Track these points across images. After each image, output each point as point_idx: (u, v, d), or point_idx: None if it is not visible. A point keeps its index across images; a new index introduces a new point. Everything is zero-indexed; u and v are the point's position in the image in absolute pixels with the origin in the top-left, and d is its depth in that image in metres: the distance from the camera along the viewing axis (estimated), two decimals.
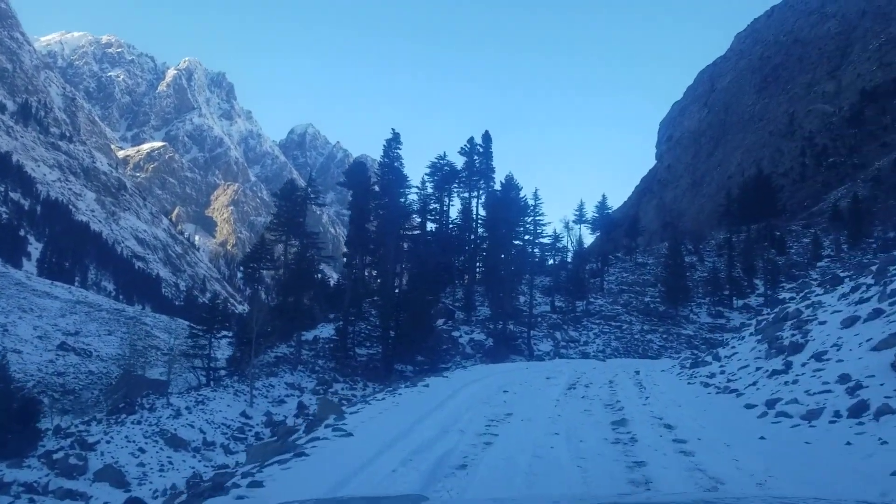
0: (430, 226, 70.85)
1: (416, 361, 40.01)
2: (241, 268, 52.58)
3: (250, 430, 28.98)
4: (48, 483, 22.20)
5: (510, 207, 54.22)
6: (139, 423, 27.87)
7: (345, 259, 54.05)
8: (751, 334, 23.25)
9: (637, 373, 24.70)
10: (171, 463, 24.89)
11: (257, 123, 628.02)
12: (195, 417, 28.86)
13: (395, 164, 63.53)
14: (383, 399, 18.93)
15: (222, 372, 40.54)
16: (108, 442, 25.84)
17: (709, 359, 23.60)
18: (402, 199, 64.59)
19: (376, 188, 60.35)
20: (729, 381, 18.11)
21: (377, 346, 41.27)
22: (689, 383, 20.30)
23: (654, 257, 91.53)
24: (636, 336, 53.00)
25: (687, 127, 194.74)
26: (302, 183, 65.30)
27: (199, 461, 25.28)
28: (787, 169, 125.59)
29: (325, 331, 47.11)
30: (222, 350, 50.84)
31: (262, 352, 42.52)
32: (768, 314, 25.13)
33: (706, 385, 18.91)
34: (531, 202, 57.06)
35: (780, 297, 25.60)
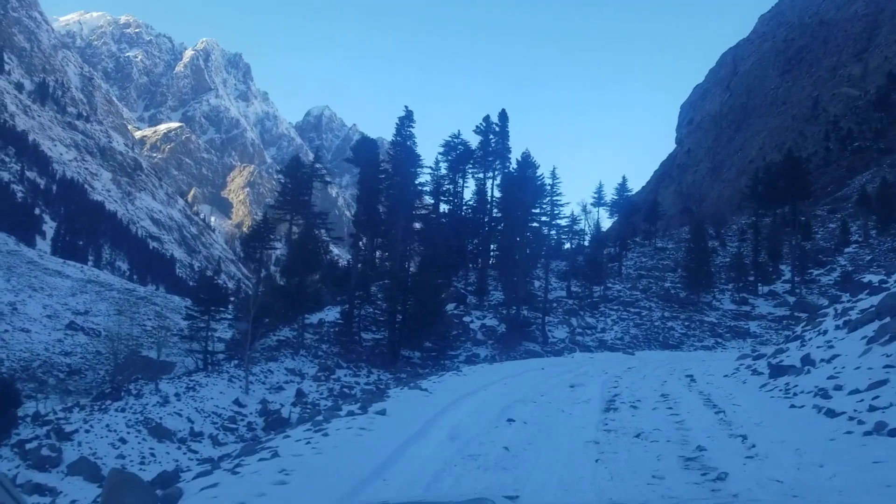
0: (444, 207, 68.71)
1: (423, 347, 37.95)
2: (243, 247, 50.70)
3: (243, 420, 27.05)
4: (16, 476, 20.36)
5: (526, 187, 51.77)
6: (123, 410, 26.01)
7: (351, 239, 51.86)
8: (838, 327, 17.67)
9: (691, 379, 19.52)
10: (153, 455, 23.01)
11: (273, 105, 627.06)
12: (184, 405, 26.96)
13: (408, 142, 61.20)
14: (299, 440, 11.36)
15: (221, 356, 38.69)
16: (87, 431, 23.98)
17: (793, 360, 17.28)
18: (415, 180, 62.41)
19: (388, 167, 58.21)
20: (874, 407, 10.72)
21: (384, 330, 39.25)
22: (793, 406, 12.90)
23: (673, 242, 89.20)
24: (656, 323, 50.58)
25: (708, 110, 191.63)
26: (326, 168, 63.20)
27: (185, 453, 23.40)
28: (811, 153, 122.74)
29: (332, 314, 45.13)
30: (229, 333, 49.19)
31: (264, 335, 40.66)
32: (849, 301, 20.01)
33: (830, 414, 11.39)
34: (548, 181, 54.64)
35: (866, 280, 20.97)
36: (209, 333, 38.00)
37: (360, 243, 51.58)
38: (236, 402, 28.60)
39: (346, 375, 34.68)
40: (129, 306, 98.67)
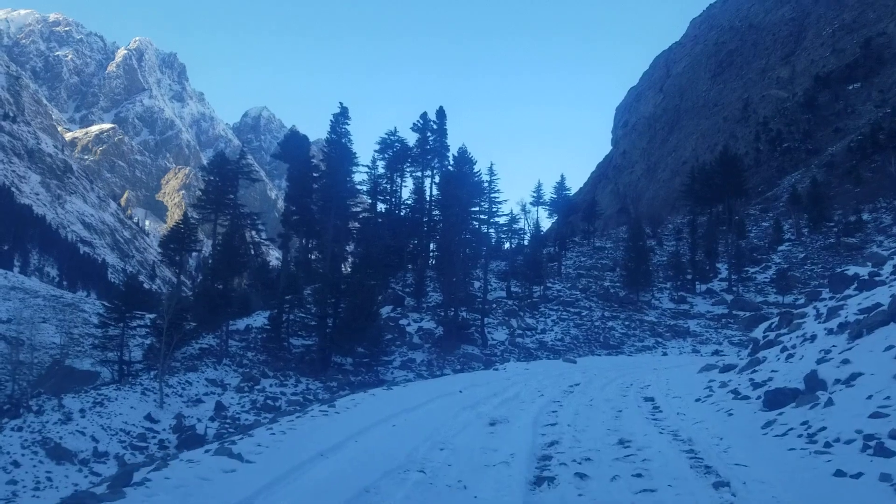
0: (381, 206, 67.02)
1: (356, 353, 36.11)
2: (162, 250, 48.02)
3: (154, 438, 24.85)
4: None
5: (464, 183, 50.35)
6: (20, 429, 23.59)
7: (279, 240, 49.67)
8: (831, 331, 14.40)
9: (654, 406, 15.72)
10: (49, 479, 20.74)
11: (210, 106, 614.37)
12: (88, 422, 24.65)
13: (343, 140, 59.32)
14: None
15: (139, 366, 36.21)
16: None
17: (786, 377, 13.47)
18: (350, 178, 60.55)
19: (322, 165, 56.19)
20: None
21: (314, 336, 37.27)
22: (840, 472, 8.12)
23: (612, 241, 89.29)
24: (596, 323, 49.74)
25: (642, 112, 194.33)
26: (256, 166, 60.50)
27: (86, 476, 21.19)
28: (742, 154, 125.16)
29: (260, 319, 42.92)
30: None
31: (185, 343, 38.29)
32: (834, 299, 17.28)
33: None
34: (486, 178, 53.37)
35: (851, 272, 17.90)
36: (125, 342, 35.49)
37: (290, 243, 49.35)
38: (148, 417, 26.36)
39: (272, 385, 32.63)
40: (55, 313, 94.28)
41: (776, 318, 20.50)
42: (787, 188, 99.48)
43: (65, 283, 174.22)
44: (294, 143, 49.59)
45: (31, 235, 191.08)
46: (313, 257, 57.77)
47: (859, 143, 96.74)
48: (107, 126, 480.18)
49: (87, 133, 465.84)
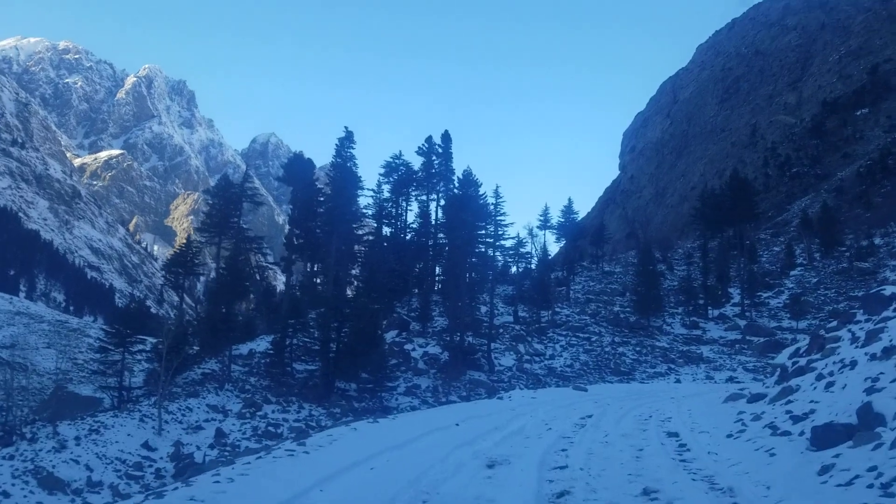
0: (386, 230, 66.38)
1: (360, 379, 35.24)
2: (165, 273, 47.39)
3: (150, 466, 24.00)
4: None
5: (469, 206, 49.67)
6: (12, 458, 22.81)
7: (283, 263, 49.00)
8: (874, 357, 12.86)
9: (680, 444, 13.67)
10: None
11: (219, 132, 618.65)
12: (83, 450, 23.84)
13: (348, 164, 58.88)
14: None
15: (139, 392, 35.41)
16: None
17: (832, 409, 11.90)
18: (355, 202, 60.06)
19: (326, 189, 55.71)
20: None
21: (318, 361, 36.46)
22: None
23: (621, 266, 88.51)
24: (607, 349, 48.76)
25: (650, 138, 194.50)
26: (264, 191, 60.08)
27: None
28: (752, 179, 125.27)
29: (264, 344, 42.10)
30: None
31: (188, 368, 37.52)
32: (871, 321, 15.73)
33: None
34: (492, 201, 52.68)
35: (888, 293, 15.95)
36: (125, 367, 34.73)
37: (294, 267, 48.69)
38: (146, 445, 25.53)
39: (274, 411, 31.77)
40: (60, 339, 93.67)
41: (804, 343, 18.88)
42: (797, 213, 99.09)
43: (71, 307, 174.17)
44: (298, 167, 49.10)
45: (38, 260, 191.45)
46: (318, 281, 57.11)
47: (868, 168, 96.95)
48: (116, 152, 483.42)
49: (96, 159, 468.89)
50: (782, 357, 19.43)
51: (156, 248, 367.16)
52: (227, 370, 37.10)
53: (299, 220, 49.12)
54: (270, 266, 57.95)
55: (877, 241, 75.26)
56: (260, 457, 13.50)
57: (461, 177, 56.70)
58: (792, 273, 73.67)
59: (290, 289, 46.94)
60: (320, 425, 29.63)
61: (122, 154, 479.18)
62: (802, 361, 16.92)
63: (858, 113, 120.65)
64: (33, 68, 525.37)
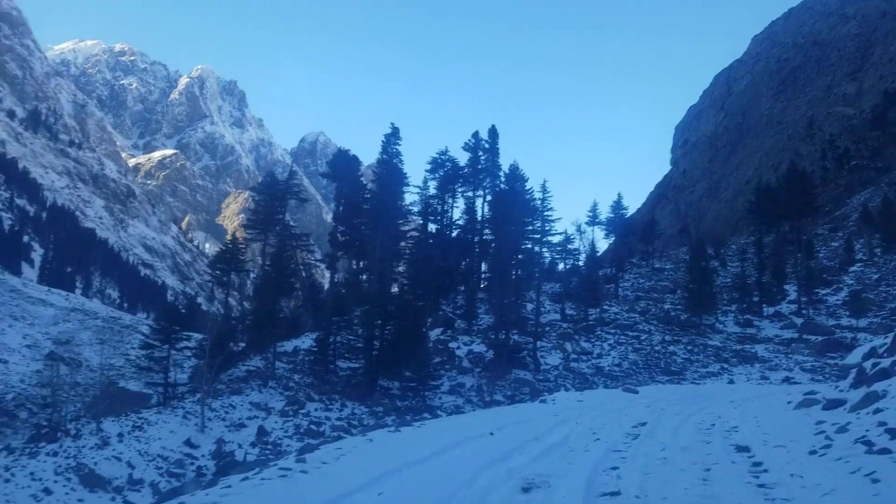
0: (432, 227, 65.89)
1: (403, 377, 34.78)
2: (211, 270, 47.56)
3: (192, 464, 23.88)
4: None
5: (516, 201, 48.83)
6: (55, 454, 22.89)
7: (327, 260, 48.82)
8: None
9: (754, 462, 11.43)
10: None
11: (268, 132, 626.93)
12: (125, 447, 23.83)
13: (395, 160, 58.65)
14: None
15: (184, 388, 35.54)
16: (7, 480, 20.84)
17: None
18: (400, 198, 59.78)
19: (372, 186, 55.57)
20: None
21: (361, 359, 36.11)
22: None
23: (672, 262, 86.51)
24: (657, 347, 47.43)
25: (703, 131, 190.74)
26: (312, 190, 59.98)
27: None
28: (808, 173, 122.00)
29: (308, 341, 42.00)
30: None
31: (233, 365, 37.59)
32: None
33: None
34: (538, 196, 51.68)
35: None
36: (170, 363, 34.88)
37: (338, 264, 48.50)
38: (188, 442, 25.44)
39: (316, 409, 31.50)
40: (113, 335, 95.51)
41: (882, 341, 17.33)
42: (856, 207, 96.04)
43: (125, 304, 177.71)
44: (343, 162, 48.93)
45: (94, 258, 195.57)
46: (363, 278, 56.96)
47: None
48: (169, 152, 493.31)
49: (149, 159, 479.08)
50: (854, 357, 17.95)
51: (207, 245, 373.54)
52: (271, 367, 37.02)
53: (344, 216, 48.97)
54: (317, 263, 57.96)
55: None
56: (247, 478, 11.60)
57: (507, 171, 55.84)
58: (851, 269, 71.01)
59: (334, 286, 46.71)
60: (362, 424, 29.25)
61: (175, 154, 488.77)
62: (886, 363, 15.16)
63: None
64: (90, 70, 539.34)
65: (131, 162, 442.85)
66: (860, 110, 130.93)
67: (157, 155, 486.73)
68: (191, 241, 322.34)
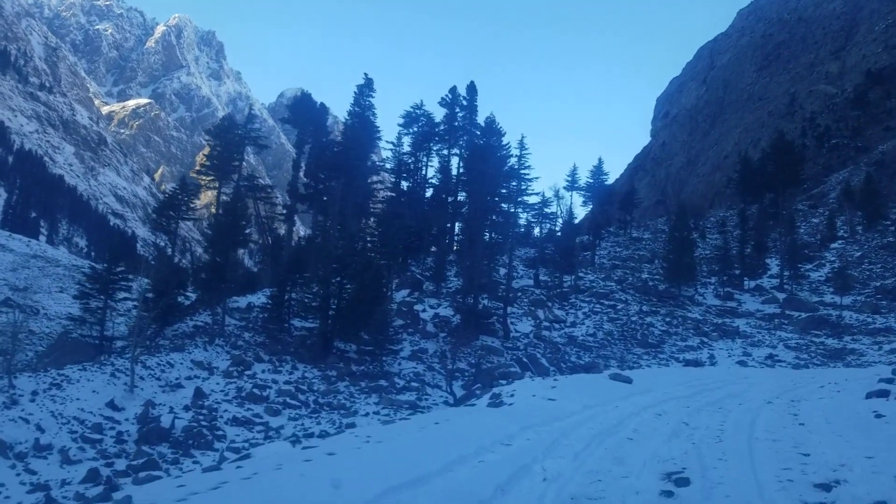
0: (405, 185, 62.96)
1: (361, 340, 32.20)
2: (155, 217, 44.42)
3: (112, 429, 21.13)
4: None
5: (490, 157, 45.99)
6: None
7: (284, 212, 45.88)
8: None
9: None
10: None
11: (246, 85, 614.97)
12: (37, 408, 21.07)
13: (367, 113, 55.54)
14: None
15: (121, 343, 32.75)
16: None
17: None
18: (371, 152, 56.92)
19: (340, 138, 52.53)
20: None
21: (317, 318, 33.46)
22: None
23: (650, 232, 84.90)
24: (633, 318, 45.23)
25: (684, 104, 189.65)
26: (289, 146, 56.30)
27: (18, 474, 17.57)
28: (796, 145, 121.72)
29: (265, 298, 39.17)
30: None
31: (179, 320, 34.81)
32: None
33: None
34: (515, 153, 48.94)
35: None
36: (105, 314, 32.03)
37: (301, 217, 45.56)
38: (111, 404, 22.68)
39: (264, 371, 28.86)
40: (74, 283, 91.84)
41: None
42: (834, 185, 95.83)
43: (92, 254, 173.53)
44: (306, 106, 45.69)
45: (62, 205, 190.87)
46: (322, 234, 54.17)
47: None
48: (144, 101, 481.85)
49: (123, 107, 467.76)
50: None
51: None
52: (221, 324, 34.29)
53: (309, 167, 45.91)
54: (280, 216, 55.00)
55: None
56: None
57: (483, 124, 52.89)
58: (832, 246, 69.59)
59: (292, 239, 43.84)
60: (312, 389, 26.72)
61: (149, 103, 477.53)
62: None
63: None
64: (64, 13, 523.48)
65: (104, 109, 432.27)
66: (842, 89, 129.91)
67: (131, 103, 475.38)
68: (163, 192, 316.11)
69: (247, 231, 38.32)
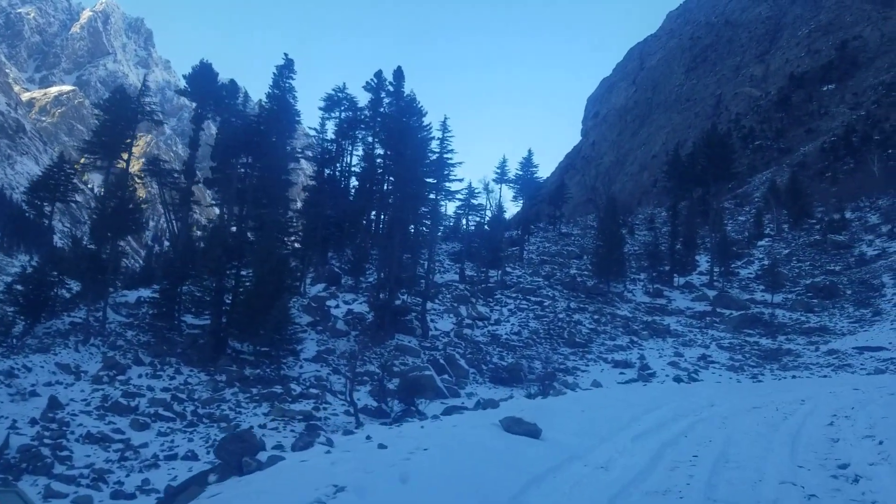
0: (328, 173, 59.47)
1: (260, 339, 28.78)
2: (28, 198, 40.01)
3: None
4: None
5: (412, 138, 42.82)
6: None
7: (178, 196, 42.08)
8: None
9: None
10: None
11: (175, 74, 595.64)
12: None
13: (287, 96, 51.89)
14: None
15: None
16: None
17: None
18: (291, 137, 53.29)
19: (258, 123, 48.70)
20: None
21: (209, 315, 29.91)
22: None
23: (579, 228, 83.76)
24: (560, 315, 42.82)
25: (614, 104, 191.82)
26: (157, 106, 51.48)
27: None
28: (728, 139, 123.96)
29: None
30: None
31: (56, 316, 30.86)
32: None
33: None
34: (438, 135, 45.99)
35: None
36: None
37: (211, 208, 41.84)
38: None
39: (141, 376, 25.26)
40: None
41: None
42: (758, 185, 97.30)
43: (5, 244, 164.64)
44: (205, 78, 41.88)
45: None
46: (245, 225, 50.36)
47: (832, 145, 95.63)
48: (67, 88, 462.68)
49: (45, 94, 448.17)
50: None
51: (103, 190, 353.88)
52: (103, 320, 30.42)
53: (218, 149, 42.19)
54: (195, 203, 51.15)
55: (848, 215, 71.76)
56: None
57: (402, 103, 49.85)
58: (760, 243, 69.44)
59: (186, 227, 40.09)
60: (192, 398, 23.30)
61: (73, 90, 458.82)
62: None
63: (825, 88, 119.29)
64: None
65: (25, 96, 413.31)
66: (766, 92, 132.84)
67: (53, 90, 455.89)
68: (86, 183, 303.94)
69: (137, 216, 34.45)
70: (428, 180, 45.96)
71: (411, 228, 49.31)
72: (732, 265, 59.21)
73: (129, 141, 38.97)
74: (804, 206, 74.24)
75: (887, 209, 69.39)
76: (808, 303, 45.82)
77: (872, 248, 59.38)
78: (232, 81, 46.83)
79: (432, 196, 48.16)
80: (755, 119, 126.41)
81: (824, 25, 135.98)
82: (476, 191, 56.85)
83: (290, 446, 14.34)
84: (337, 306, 37.41)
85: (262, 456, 11.05)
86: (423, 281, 39.37)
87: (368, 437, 10.60)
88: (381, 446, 9.87)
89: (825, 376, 28.85)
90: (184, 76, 48.76)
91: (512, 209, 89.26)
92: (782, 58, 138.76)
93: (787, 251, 64.31)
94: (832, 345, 36.00)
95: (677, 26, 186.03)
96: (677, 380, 28.67)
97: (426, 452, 9.55)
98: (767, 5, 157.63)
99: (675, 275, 55.61)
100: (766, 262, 58.54)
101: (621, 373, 31.65)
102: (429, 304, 38.36)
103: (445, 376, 28.46)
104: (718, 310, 45.38)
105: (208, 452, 17.52)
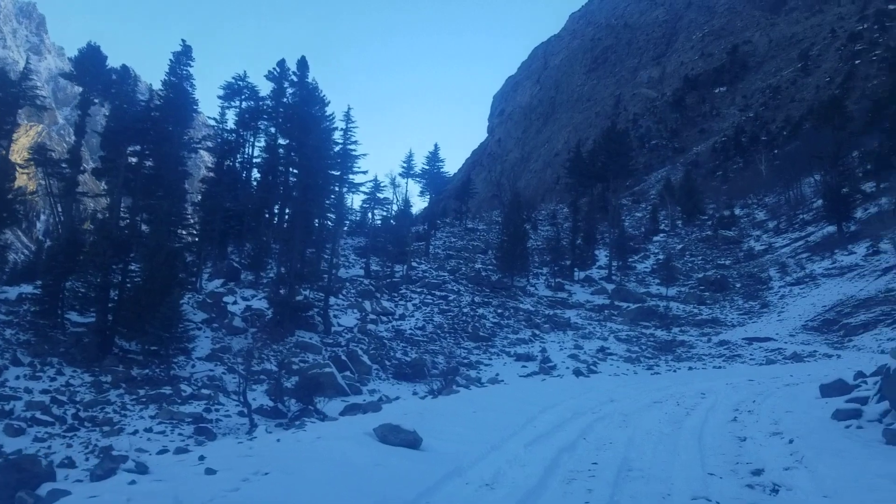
0: (228, 164, 57.59)
1: (150, 337, 27.37)
2: None
3: None
4: None
5: (314, 127, 41.83)
6: None
7: (60, 186, 39.87)
8: None
9: None
10: None
11: (70, 62, 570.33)
12: None
13: (184, 84, 49.87)
14: None
15: None
16: None
17: None
18: (188, 126, 51.33)
19: (153, 111, 46.59)
20: None
21: (95, 312, 28.26)
22: None
23: (485, 224, 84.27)
24: (465, 309, 42.85)
25: (519, 102, 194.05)
26: (40, 90, 48.43)
27: None
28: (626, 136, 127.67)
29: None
30: None
31: None
32: None
33: None
34: (341, 125, 45.17)
35: None
36: None
37: (110, 201, 39.73)
38: None
39: (18, 377, 23.57)
40: None
41: None
42: (654, 182, 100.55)
43: None
44: (92, 61, 39.73)
45: None
46: (140, 218, 48.12)
47: (723, 145, 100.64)
48: None
49: None
50: None
51: None
52: None
53: (107, 136, 40.06)
54: (86, 195, 48.56)
55: (737, 211, 75.10)
56: None
57: (304, 93, 48.75)
58: (655, 238, 71.76)
59: (73, 220, 38.00)
60: (73, 401, 21.89)
61: None
62: None
63: (717, 91, 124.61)
64: None
65: None
66: (662, 93, 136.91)
67: None
68: None
69: (18, 207, 32.26)
70: (332, 172, 44.97)
71: (315, 222, 48.35)
72: (630, 260, 60.88)
73: (8, 127, 36.50)
74: (697, 202, 77.41)
75: (773, 206, 72.96)
76: (700, 296, 47.48)
77: (760, 243, 62.09)
78: (123, 66, 44.69)
79: (336, 188, 47.20)
80: (652, 119, 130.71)
81: (717, 30, 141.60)
82: (382, 185, 56.41)
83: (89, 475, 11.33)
84: (235, 302, 36.16)
85: (44, 489, 9.35)
86: (326, 276, 38.52)
87: (201, 458, 8.65)
88: (210, 471, 7.77)
89: (719, 367, 29.79)
90: (69, 59, 46.20)
91: (419, 204, 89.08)
92: (678, 60, 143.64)
93: (680, 246, 66.56)
94: (723, 336, 37.37)
95: (579, 27, 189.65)
96: (577, 373, 29.10)
97: (265, 478, 7.57)
98: (664, 9, 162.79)
99: (575, 269, 56.65)
100: (661, 257, 60.45)
101: (523, 366, 32.05)
102: (332, 300, 37.62)
103: (347, 373, 27.86)
104: (616, 303, 46.46)
105: (87, 459, 16.38)
